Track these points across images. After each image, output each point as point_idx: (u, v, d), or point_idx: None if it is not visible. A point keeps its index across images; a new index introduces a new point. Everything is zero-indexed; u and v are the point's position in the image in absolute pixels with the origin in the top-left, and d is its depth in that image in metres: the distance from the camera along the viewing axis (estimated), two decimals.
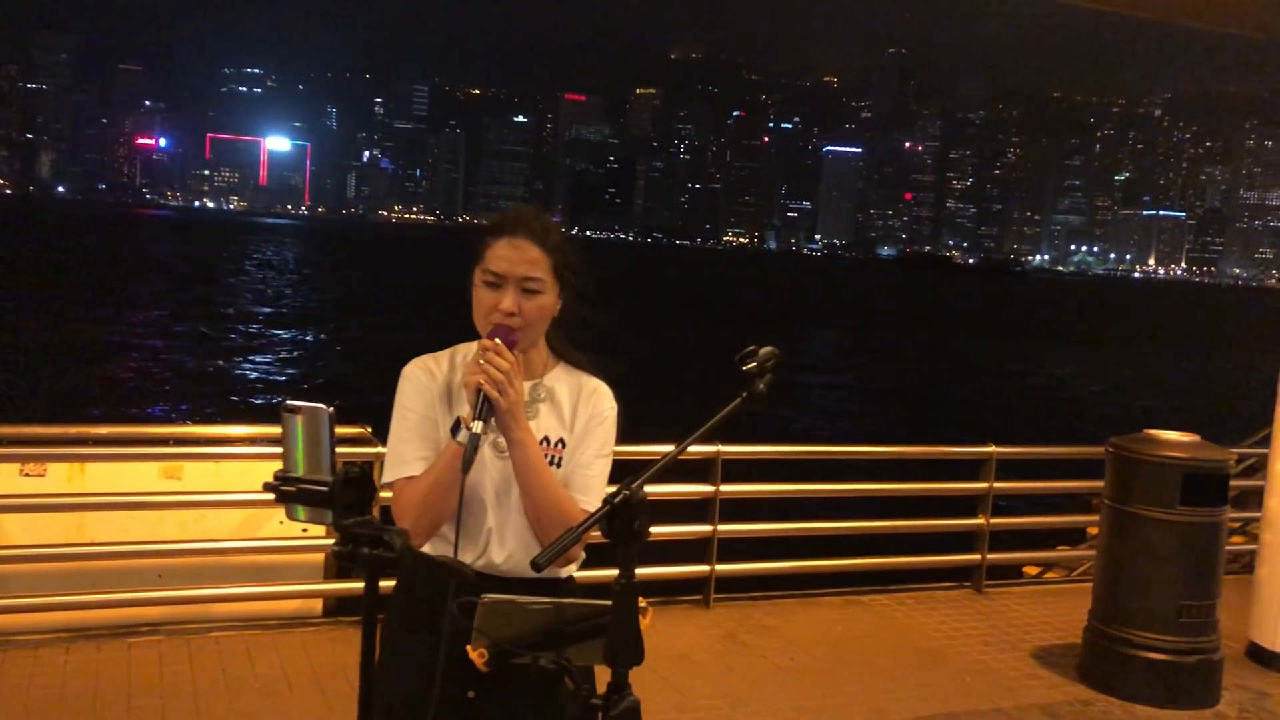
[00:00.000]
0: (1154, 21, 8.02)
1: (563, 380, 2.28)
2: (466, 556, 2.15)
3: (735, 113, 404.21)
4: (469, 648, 1.80)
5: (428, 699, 2.02)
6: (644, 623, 1.71)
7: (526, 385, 2.22)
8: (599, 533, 1.73)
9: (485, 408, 2.03)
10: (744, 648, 5.55)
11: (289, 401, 1.64)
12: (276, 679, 4.72)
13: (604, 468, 2.25)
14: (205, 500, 5.32)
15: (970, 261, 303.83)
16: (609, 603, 1.71)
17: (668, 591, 6.23)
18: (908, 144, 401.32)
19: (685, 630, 5.74)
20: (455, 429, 2.10)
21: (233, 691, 4.56)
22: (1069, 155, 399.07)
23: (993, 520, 6.75)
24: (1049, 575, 7.75)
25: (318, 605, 5.60)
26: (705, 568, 6.08)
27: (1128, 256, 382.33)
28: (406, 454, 2.19)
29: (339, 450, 5.18)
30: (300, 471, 1.64)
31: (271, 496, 4.96)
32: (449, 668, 1.98)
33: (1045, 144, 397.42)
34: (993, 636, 5.99)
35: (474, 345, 2.24)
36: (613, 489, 1.77)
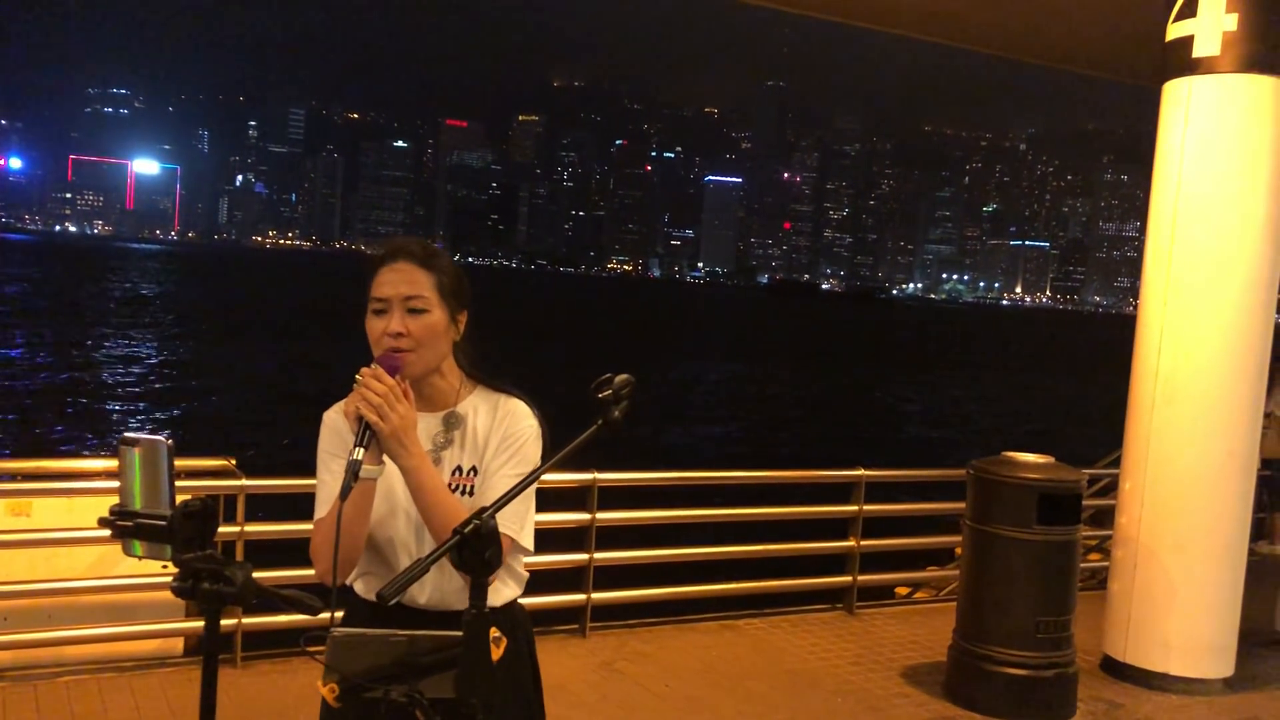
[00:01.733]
0: (1013, 60, 8.41)
1: (479, 405, 2.25)
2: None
3: (618, 141, 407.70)
4: (319, 683, 1.77)
5: None
6: (496, 653, 1.70)
7: (438, 415, 2.20)
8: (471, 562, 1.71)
9: (366, 434, 2.00)
10: (620, 676, 5.54)
11: (126, 434, 1.59)
12: None
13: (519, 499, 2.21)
14: (56, 538, 5.07)
15: (837, 289, 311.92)
16: (460, 634, 1.70)
17: (544, 621, 6.18)
18: (786, 174, 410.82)
19: (561, 660, 5.70)
20: (357, 469, 2.05)
21: None
22: (939, 187, 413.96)
23: (863, 542, 6.90)
24: (919, 595, 7.96)
25: (178, 644, 5.38)
26: (581, 596, 6.06)
27: (996, 284, 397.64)
28: (321, 497, 2.18)
29: (204, 482, 4.98)
30: (138, 505, 1.59)
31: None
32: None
33: (917, 176, 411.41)
34: (863, 657, 6.11)
35: None
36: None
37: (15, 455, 18.28)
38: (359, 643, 1.75)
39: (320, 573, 2.07)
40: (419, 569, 1.65)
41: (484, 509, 1.71)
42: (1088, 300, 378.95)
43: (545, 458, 2.21)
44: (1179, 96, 5.83)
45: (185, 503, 1.59)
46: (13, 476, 5.31)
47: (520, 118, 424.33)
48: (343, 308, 2.15)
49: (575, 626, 6.12)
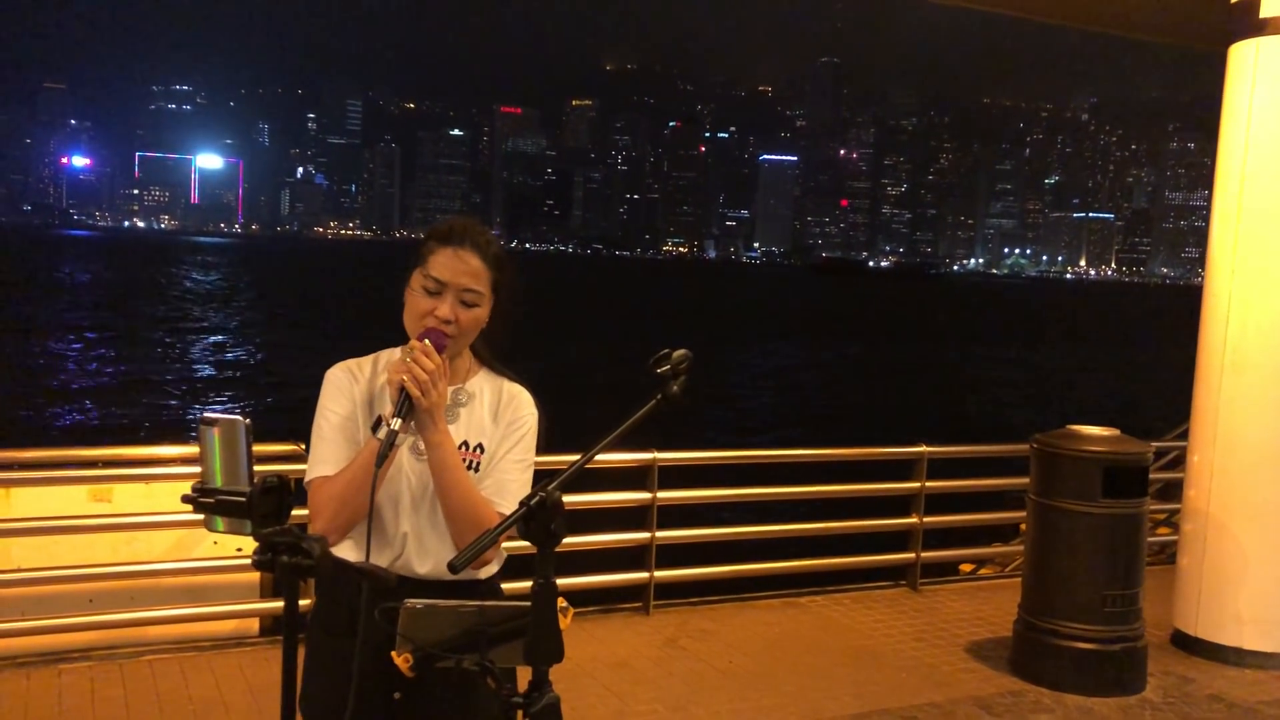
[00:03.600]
0: (1073, 28, 8.26)
1: (484, 386, 2.31)
2: (381, 560, 2.17)
3: (671, 123, 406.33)
4: (394, 653, 1.83)
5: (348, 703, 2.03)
6: (564, 622, 1.75)
7: (449, 390, 2.24)
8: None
9: (406, 406, 2.05)
10: (683, 652, 5.59)
11: (205, 414, 1.66)
12: (212, 700, 4.67)
13: (522, 473, 2.26)
14: (136, 522, 5.24)
15: (890, 266, 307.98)
16: (529, 604, 1.75)
17: (608, 599, 6.25)
18: (842, 151, 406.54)
19: (625, 637, 5.77)
20: (376, 426, 2.13)
21: (167, 714, 4.51)
22: (1000, 159, 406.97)
23: (926, 519, 6.88)
24: (983, 571, 7.91)
25: (254, 625, 5.54)
26: (644, 574, 6.12)
27: (1059, 258, 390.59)
28: (324, 454, 2.19)
29: (274, 466, 5.14)
30: (218, 483, 1.66)
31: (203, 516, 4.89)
32: (372, 671, 2.00)
33: (977, 149, 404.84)
34: (927, 633, 6.10)
35: (397, 350, 2.27)
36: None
37: (95, 443, 18.85)
38: (431, 614, 1.81)
39: (322, 529, 2.08)
40: (488, 540, 1.70)
41: (548, 482, 1.76)
42: (1154, 272, 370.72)
43: (604, 433, 2.25)
44: (1245, 59, 5.71)
45: (263, 479, 1.66)
46: (93, 464, 5.48)
47: (574, 102, 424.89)
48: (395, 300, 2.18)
49: (639, 605, 6.18)
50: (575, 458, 1.90)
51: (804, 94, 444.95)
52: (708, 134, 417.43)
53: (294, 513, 1.72)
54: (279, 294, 66.54)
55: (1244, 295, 5.66)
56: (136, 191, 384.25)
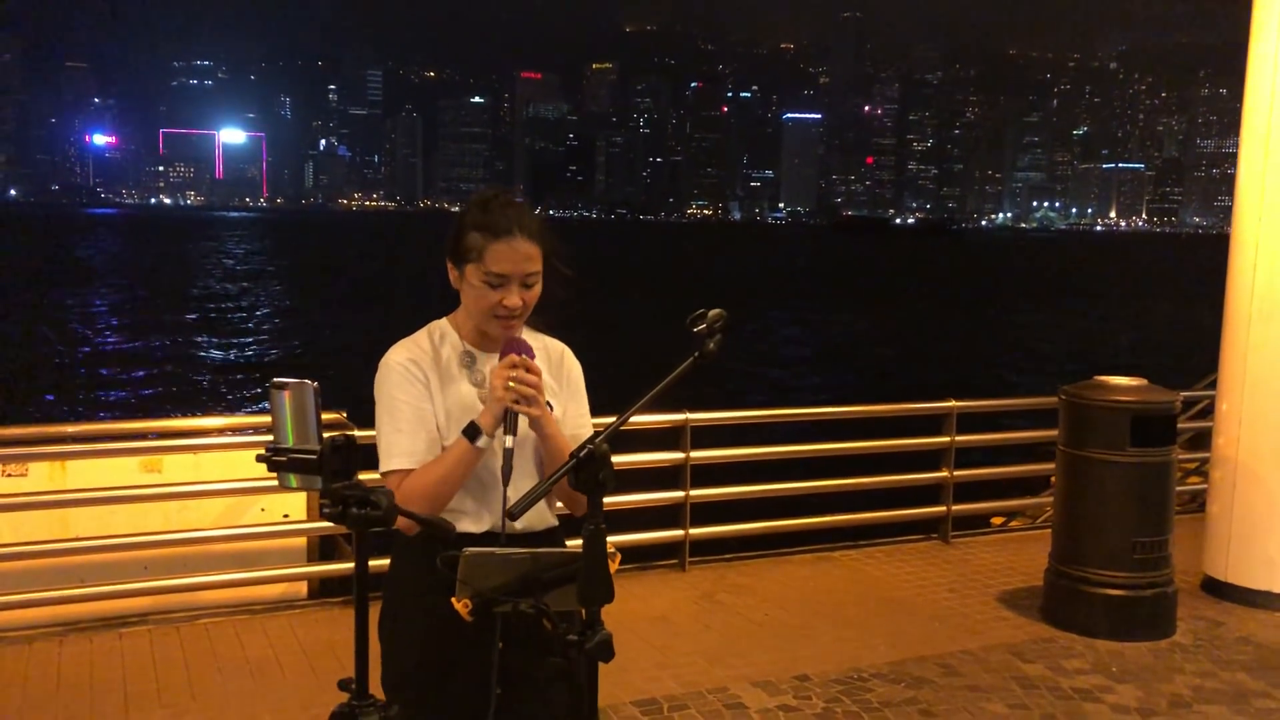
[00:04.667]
0: None
1: (538, 350, 2.39)
2: (483, 525, 2.29)
3: (693, 84, 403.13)
4: (454, 599, 1.95)
5: (454, 656, 2.19)
6: (613, 566, 1.86)
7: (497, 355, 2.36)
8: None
9: (513, 422, 2.16)
10: (720, 606, 5.73)
11: (276, 379, 1.78)
12: (267, 660, 4.85)
13: (590, 424, 2.46)
14: (186, 491, 5.42)
15: (913, 222, 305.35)
16: (580, 550, 1.86)
17: (644, 557, 6.40)
18: (867, 108, 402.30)
19: (663, 593, 5.91)
20: (473, 434, 2.20)
21: (225, 673, 4.69)
22: (1027, 112, 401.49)
23: (956, 473, 6.96)
24: (1014, 524, 7.99)
25: (303, 588, 5.73)
26: (679, 532, 6.25)
27: (1089, 210, 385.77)
28: (405, 446, 2.27)
29: None
30: (290, 443, 1.78)
31: (250, 484, 5.06)
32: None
33: (1003, 102, 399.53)
34: (959, 583, 6.20)
35: (445, 323, 2.39)
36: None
37: (144, 415, 19.23)
38: (488, 561, 1.93)
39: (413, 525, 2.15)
40: (541, 489, 1.82)
41: (596, 434, 1.87)
42: (1187, 222, 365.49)
43: (641, 392, 2.36)
44: (1273, 0, 5.68)
45: (332, 438, 1.78)
46: (143, 436, 5.65)
47: (594, 66, 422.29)
48: (426, 269, 2.32)
49: (675, 561, 6.32)
50: (612, 418, 2.00)
51: (827, 51, 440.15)
52: (730, 94, 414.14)
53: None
54: (308, 268, 66.98)
55: (1271, 243, 5.68)
56: (162, 168, 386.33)
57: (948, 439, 6.92)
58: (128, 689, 4.50)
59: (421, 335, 2.39)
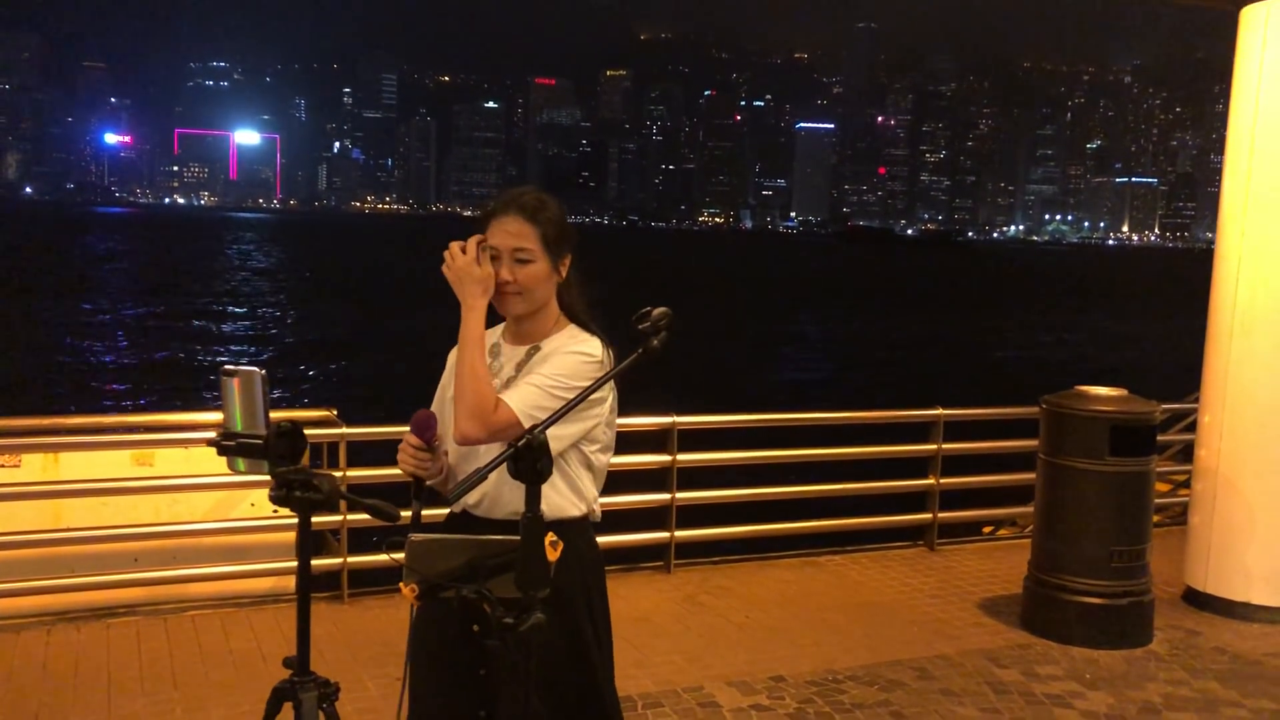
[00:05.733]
0: None
1: (559, 344, 2.48)
2: (470, 499, 2.41)
3: (706, 92, 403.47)
4: (401, 584, 2.02)
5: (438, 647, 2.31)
6: (552, 555, 1.93)
7: (523, 348, 2.49)
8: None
9: (418, 489, 2.35)
10: (702, 608, 5.79)
11: (226, 366, 1.85)
12: (251, 652, 4.92)
13: (539, 384, 2.37)
14: (177, 485, 5.50)
15: (922, 233, 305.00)
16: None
17: (630, 558, 6.46)
18: (880, 118, 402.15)
19: (646, 594, 5.98)
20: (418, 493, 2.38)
21: (209, 664, 4.77)
22: (1040, 125, 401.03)
23: (942, 480, 7.01)
24: (1002, 533, 8.04)
25: (290, 582, 5.79)
26: (665, 534, 6.31)
27: (1102, 224, 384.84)
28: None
29: (311, 431, 5.34)
30: (239, 428, 1.85)
31: (240, 479, 5.14)
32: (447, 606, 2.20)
33: (1017, 114, 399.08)
34: (942, 590, 6.25)
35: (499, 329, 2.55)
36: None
37: (137, 410, 19.39)
38: (434, 546, 2.00)
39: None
40: (477, 476, 1.89)
41: (535, 425, 1.94)
42: (1199, 237, 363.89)
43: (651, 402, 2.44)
44: (1257, 21, 5.75)
45: (277, 424, 1.85)
46: (135, 429, 5.74)
47: (608, 73, 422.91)
48: (431, 273, 2.41)
49: (660, 563, 6.38)
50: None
51: (841, 60, 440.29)
52: (743, 102, 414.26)
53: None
54: (311, 268, 67.24)
55: (1253, 258, 5.73)
56: (176, 168, 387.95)
57: (934, 446, 6.97)
58: (112, 678, 4.58)
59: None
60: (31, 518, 5.32)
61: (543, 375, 2.38)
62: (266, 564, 5.64)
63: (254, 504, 5.70)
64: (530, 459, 1.85)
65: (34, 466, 5.35)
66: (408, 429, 2.33)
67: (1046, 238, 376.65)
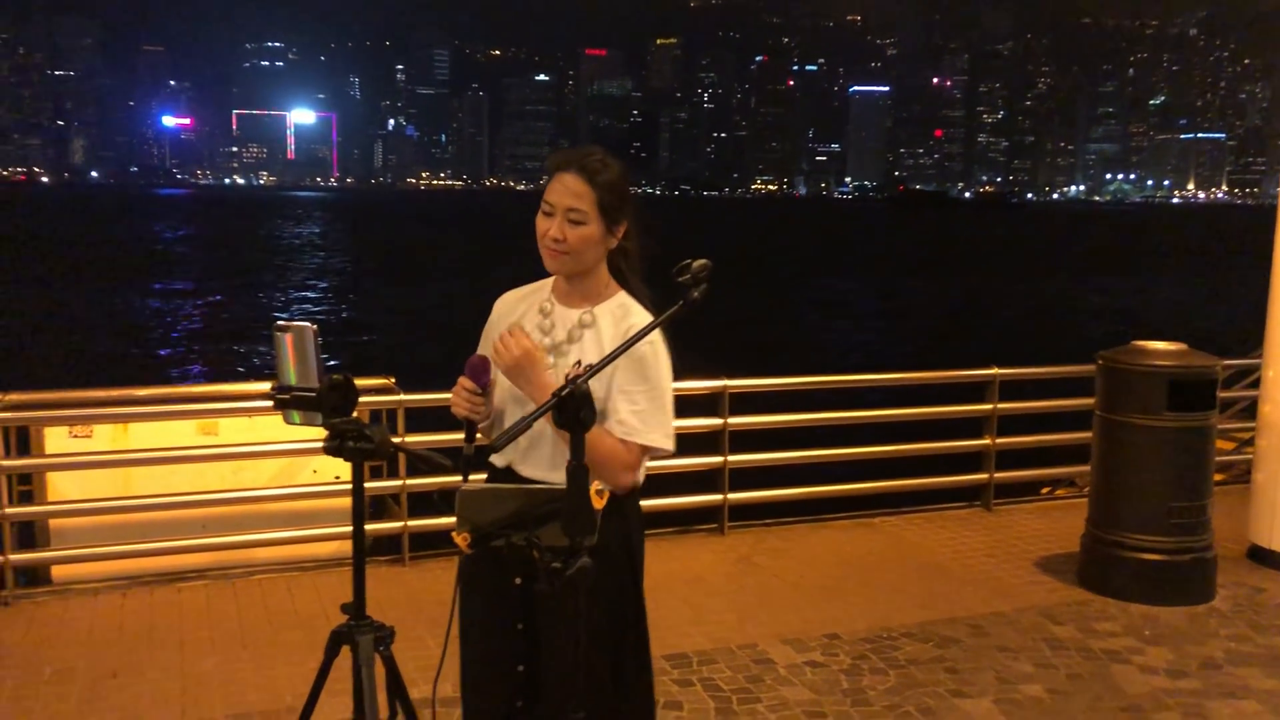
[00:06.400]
0: None
1: (611, 311, 2.50)
2: (504, 460, 2.43)
3: (758, 58, 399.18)
4: (453, 533, 2.08)
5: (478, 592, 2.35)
6: (598, 503, 1.97)
7: (577, 311, 2.49)
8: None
9: (470, 431, 2.34)
10: (756, 569, 5.83)
11: (279, 322, 1.91)
12: (315, 613, 5.06)
13: (630, 401, 2.40)
14: (242, 452, 5.65)
15: (975, 195, 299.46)
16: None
17: (684, 520, 6.51)
18: (935, 80, 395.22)
19: (700, 555, 6.03)
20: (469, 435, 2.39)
21: (275, 625, 4.92)
22: (1101, 82, 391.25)
23: (998, 440, 6.96)
24: (1059, 492, 7.96)
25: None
26: (718, 497, 6.36)
27: (1166, 182, 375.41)
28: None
29: (371, 398, 5.47)
30: (292, 381, 1.91)
31: (303, 446, 5.26)
32: (486, 558, 2.26)
33: (1076, 72, 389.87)
34: (998, 550, 6.23)
35: (554, 278, 2.55)
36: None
37: (201, 381, 19.88)
38: (484, 496, 2.06)
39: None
40: (521, 425, 1.93)
41: (577, 376, 1.98)
42: (1269, 193, 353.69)
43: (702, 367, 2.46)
44: None
45: (330, 376, 1.91)
46: (201, 399, 5.89)
47: (658, 41, 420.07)
48: (492, 247, 2.43)
49: (714, 526, 6.43)
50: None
51: (894, 22, 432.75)
52: (795, 67, 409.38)
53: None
54: (377, 243, 67.99)
55: None
56: (235, 149, 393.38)
57: (989, 406, 6.92)
58: (184, 638, 4.74)
59: (534, 284, 2.62)
60: (104, 486, 5.50)
61: (633, 392, 2.39)
62: (330, 528, 5.78)
63: (316, 470, 5.84)
64: (573, 408, 1.89)
65: (105, 436, 5.53)
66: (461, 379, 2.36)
67: (1108, 198, 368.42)
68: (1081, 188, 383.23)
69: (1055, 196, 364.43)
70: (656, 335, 2.42)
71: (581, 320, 2.48)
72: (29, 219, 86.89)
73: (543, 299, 2.55)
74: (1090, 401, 6.21)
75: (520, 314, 2.54)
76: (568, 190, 2.40)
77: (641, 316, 2.47)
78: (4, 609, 5.05)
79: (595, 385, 2.35)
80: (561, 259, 2.43)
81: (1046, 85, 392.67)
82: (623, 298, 2.52)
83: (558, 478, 2.36)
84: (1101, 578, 5.48)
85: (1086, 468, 7.66)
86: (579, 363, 2.43)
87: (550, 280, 2.57)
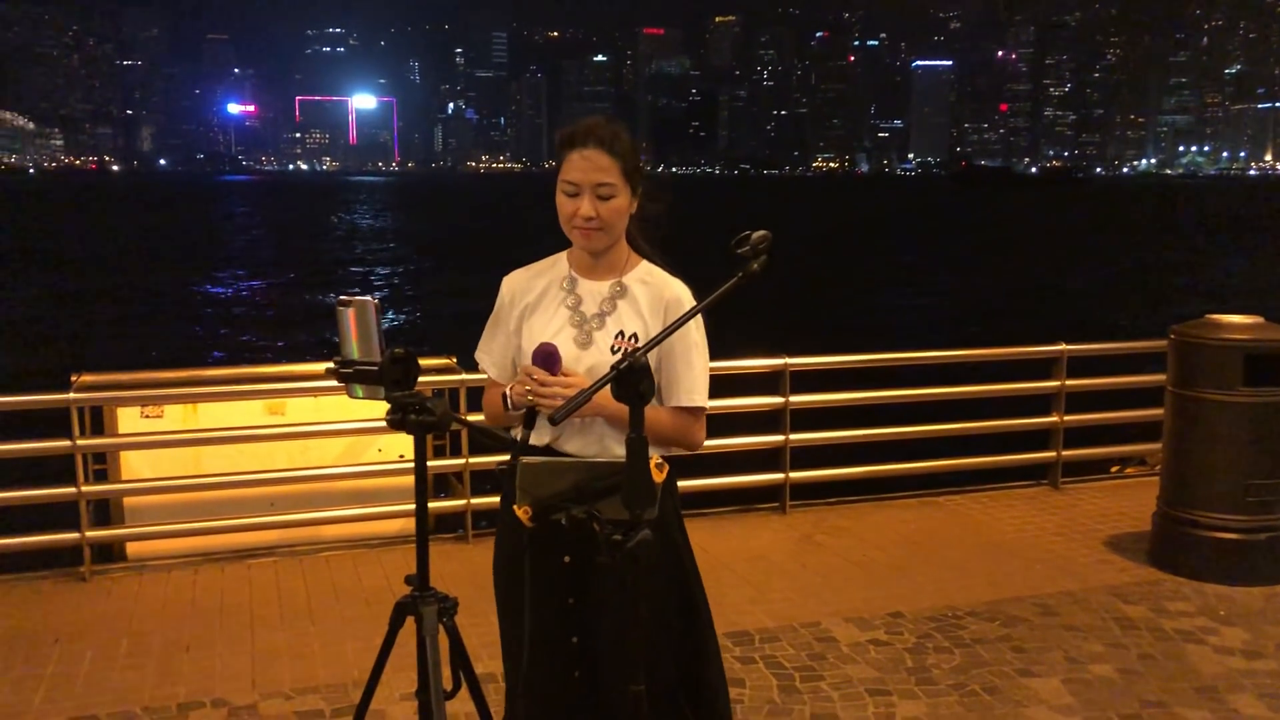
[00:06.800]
0: None
1: (641, 280, 2.48)
2: (544, 439, 2.37)
3: (818, 34, 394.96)
4: (515, 506, 2.08)
5: (524, 567, 2.32)
6: (658, 476, 1.96)
7: (607, 283, 2.45)
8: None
9: (531, 419, 2.27)
10: (818, 547, 5.80)
11: (341, 297, 1.93)
12: (381, 589, 5.13)
13: (695, 363, 2.44)
14: (308, 431, 5.73)
15: (1033, 171, 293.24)
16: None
17: (745, 499, 6.48)
18: (1000, 53, 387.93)
19: (762, 534, 6.01)
20: (504, 400, 2.35)
21: (342, 601, 4.99)
22: (1173, 51, 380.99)
23: (1066, 418, 6.83)
24: (1130, 470, 7.79)
25: None
26: (780, 476, 6.32)
27: (1242, 154, 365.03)
28: (490, 349, 2.54)
29: (433, 378, 5.52)
30: (355, 355, 1.93)
31: (367, 425, 5.31)
32: (542, 537, 2.24)
33: (1147, 41, 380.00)
34: (1066, 528, 6.12)
35: (564, 252, 2.51)
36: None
37: (268, 361, 20.26)
38: (544, 469, 2.06)
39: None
40: (583, 397, 1.92)
41: (636, 349, 1.97)
42: None
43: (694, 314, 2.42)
44: None
45: (392, 350, 1.92)
46: (268, 380, 5.99)
47: (716, 19, 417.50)
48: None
49: (775, 504, 6.39)
50: (725, 364, 2.08)
51: None
52: (856, 42, 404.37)
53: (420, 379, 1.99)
54: (431, 227, 68.65)
55: None
56: (298, 135, 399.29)
57: (1057, 383, 6.79)
58: (254, 613, 4.83)
59: (541, 262, 2.56)
60: (175, 465, 5.62)
61: (694, 356, 2.42)
62: (395, 506, 5.85)
63: (380, 449, 5.91)
64: (632, 381, 1.88)
65: (175, 416, 5.64)
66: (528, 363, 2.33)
67: (1181, 171, 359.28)
68: (1153, 161, 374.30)
69: (1125, 170, 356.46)
70: (689, 296, 2.43)
71: (612, 291, 2.45)
72: (101, 206, 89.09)
73: (560, 276, 2.49)
74: (1161, 377, 6.08)
75: (539, 292, 2.48)
76: (592, 165, 2.34)
77: (676, 284, 2.46)
78: (82, 584, 5.19)
79: (633, 329, 2.41)
80: (596, 235, 2.38)
81: (1116, 56, 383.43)
82: (648, 266, 2.49)
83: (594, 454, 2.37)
84: (1174, 557, 5.36)
85: (1158, 445, 7.52)
86: (621, 334, 2.41)
87: (561, 256, 2.52)
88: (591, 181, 2.34)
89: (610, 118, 2.43)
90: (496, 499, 5.71)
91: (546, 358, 2.29)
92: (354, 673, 4.17)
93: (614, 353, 2.37)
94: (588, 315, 2.43)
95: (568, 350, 2.38)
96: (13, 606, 4.92)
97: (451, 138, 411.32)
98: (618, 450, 2.40)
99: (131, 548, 5.62)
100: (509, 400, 2.32)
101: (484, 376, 2.54)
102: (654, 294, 2.44)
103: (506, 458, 2.28)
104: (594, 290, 2.45)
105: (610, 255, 2.46)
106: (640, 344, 2.37)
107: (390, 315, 29.70)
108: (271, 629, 4.66)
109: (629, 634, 1.97)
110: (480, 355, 2.54)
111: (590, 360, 2.36)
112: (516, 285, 2.52)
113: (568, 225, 2.40)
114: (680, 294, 2.45)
